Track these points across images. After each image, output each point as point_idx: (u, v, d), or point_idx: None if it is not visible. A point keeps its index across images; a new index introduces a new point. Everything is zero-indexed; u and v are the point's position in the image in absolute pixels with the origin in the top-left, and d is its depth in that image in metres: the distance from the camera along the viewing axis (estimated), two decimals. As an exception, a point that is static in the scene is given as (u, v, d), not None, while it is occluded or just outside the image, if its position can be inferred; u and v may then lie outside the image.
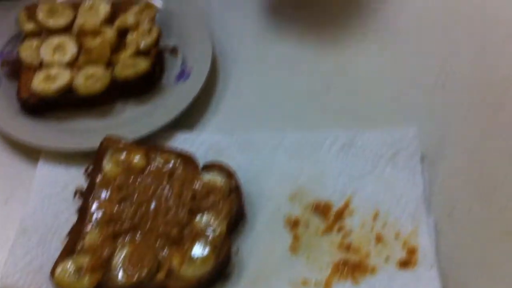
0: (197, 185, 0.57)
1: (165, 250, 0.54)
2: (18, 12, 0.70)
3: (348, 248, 0.55)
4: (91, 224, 0.55)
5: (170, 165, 0.58)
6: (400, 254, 0.55)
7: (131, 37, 0.69)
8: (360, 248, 0.55)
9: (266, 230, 0.57)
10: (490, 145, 0.62)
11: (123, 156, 0.58)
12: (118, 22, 0.70)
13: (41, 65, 0.67)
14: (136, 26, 0.70)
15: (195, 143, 0.63)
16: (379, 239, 0.56)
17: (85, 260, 0.53)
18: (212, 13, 0.74)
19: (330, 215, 0.57)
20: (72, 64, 0.67)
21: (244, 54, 0.71)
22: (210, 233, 0.54)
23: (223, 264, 0.54)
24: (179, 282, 0.52)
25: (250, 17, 0.75)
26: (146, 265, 0.53)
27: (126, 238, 0.54)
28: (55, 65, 0.66)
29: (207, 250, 0.53)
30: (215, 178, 0.57)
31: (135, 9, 0.71)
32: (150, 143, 0.62)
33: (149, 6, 0.71)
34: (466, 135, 0.63)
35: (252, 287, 0.54)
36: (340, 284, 0.53)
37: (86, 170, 0.59)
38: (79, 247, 0.54)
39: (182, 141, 0.63)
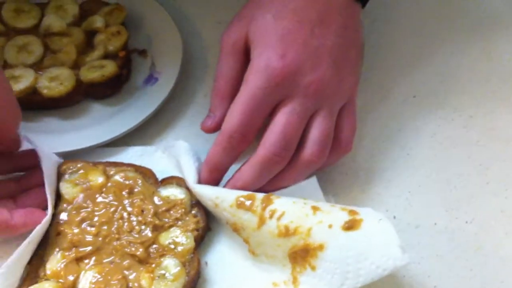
0: (157, 201, 0.55)
1: (132, 271, 0.52)
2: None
3: (287, 231, 0.51)
4: (52, 249, 0.53)
5: (129, 181, 0.56)
6: (342, 218, 0.50)
7: (99, 39, 0.68)
8: (300, 226, 0.51)
9: (229, 239, 0.56)
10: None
11: (80, 176, 0.56)
12: (86, 24, 0.69)
13: (5, 65, 0.65)
14: (104, 28, 0.68)
15: (153, 156, 0.62)
16: (315, 209, 0.52)
17: (49, 285, 0.51)
18: (183, 18, 0.74)
19: (256, 206, 0.53)
20: (37, 65, 0.65)
21: (215, 61, 0.70)
22: (178, 249, 0.53)
23: (194, 280, 0.52)
24: None
25: (222, 22, 0.74)
26: (115, 283, 0.51)
27: (91, 261, 0.52)
28: (19, 66, 0.65)
29: (176, 266, 0.52)
30: (175, 193, 0.56)
31: (104, 10, 0.70)
32: (107, 160, 0.60)
33: (118, 8, 0.70)
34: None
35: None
36: (304, 275, 0.51)
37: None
38: (41, 274, 0.52)
39: (139, 155, 0.62)
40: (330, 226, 0.50)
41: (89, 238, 0.53)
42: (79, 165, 0.57)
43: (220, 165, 0.56)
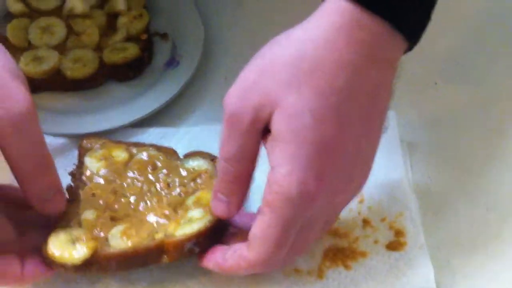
0: (183, 173, 0.56)
1: (160, 226, 0.52)
2: (8, -7, 0.69)
3: (335, 233, 0.55)
4: (86, 206, 0.53)
5: (152, 158, 0.57)
6: (388, 236, 0.55)
7: (121, 22, 0.68)
8: (348, 233, 0.55)
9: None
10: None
11: (104, 152, 0.57)
12: (108, 6, 0.69)
13: (29, 46, 0.66)
14: (126, 11, 0.69)
15: (174, 137, 0.62)
16: (366, 223, 0.55)
17: (81, 233, 0.51)
18: (203, 1, 0.74)
19: None
20: (61, 47, 0.66)
21: (236, 43, 0.71)
22: (202, 203, 0.53)
23: (220, 220, 0.52)
24: (178, 237, 0.50)
25: (243, 6, 0.74)
26: (143, 232, 0.51)
27: (123, 221, 0.53)
28: (43, 47, 0.65)
29: (201, 212, 0.52)
30: (199, 164, 0.56)
31: (126, -7, 0.70)
32: (128, 140, 0.60)
33: (141, -9, 0.70)
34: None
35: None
36: (332, 270, 0.53)
37: (70, 173, 0.57)
38: (72, 224, 0.52)
39: (160, 137, 0.62)
40: (375, 242, 0.55)
41: (121, 205, 0.54)
42: (100, 142, 0.57)
43: None
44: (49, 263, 0.49)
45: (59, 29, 0.67)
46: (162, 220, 0.52)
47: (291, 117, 0.44)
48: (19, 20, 0.67)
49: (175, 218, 0.52)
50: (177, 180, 0.55)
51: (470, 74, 0.68)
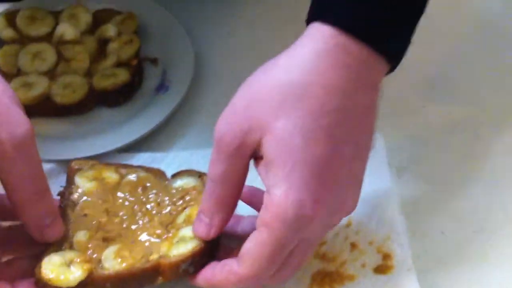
0: (172, 192, 0.56)
1: (153, 246, 0.52)
2: (-3, 19, 0.70)
3: (323, 257, 0.55)
4: (78, 227, 0.53)
5: (141, 179, 0.57)
6: (376, 260, 0.55)
7: (111, 48, 0.69)
8: (336, 257, 0.55)
9: None
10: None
11: (94, 173, 0.57)
12: (99, 32, 0.70)
13: (18, 72, 0.66)
14: (117, 36, 0.69)
15: (163, 162, 0.62)
16: (354, 246, 0.56)
17: (74, 255, 0.51)
18: (194, 26, 0.74)
19: None
20: (51, 73, 0.66)
21: (226, 68, 0.71)
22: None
23: (214, 239, 0.52)
24: (173, 258, 0.50)
25: (233, 33, 0.75)
26: (137, 253, 0.51)
27: (115, 241, 0.53)
28: (33, 73, 0.66)
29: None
30: (187, 181, 0.56)
31: (116, 19, 0.71)
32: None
33: (131, 17, 0.71)
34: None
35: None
36: None
37: (59, 193, 0.57)
38: (64, 247, 0.52)
39: (150, 162, 0.62)
40: (363, 265, 0.55)
41: (113, 225, 0.54)
42: (91, 163, 0.58)
43: None
44: (42, 286, 0.49)
45: (50, 55, 0.67)
46: (154, 239, 0.53)
47: (282, 140, 0.45)
48: (10, 47, 0.68)
49: (167, 237, 0.53)
50: (166, 199, 0.55)
51: (457, 95, 0.69)
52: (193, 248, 0.51)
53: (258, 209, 0.50)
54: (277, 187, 0.45)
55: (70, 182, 0.56)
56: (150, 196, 0.56)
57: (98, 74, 0.66)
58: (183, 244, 0.51)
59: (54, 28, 0.69)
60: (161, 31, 0.72)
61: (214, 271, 0.50)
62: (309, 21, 0.47)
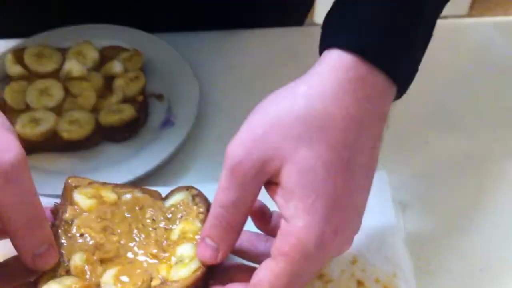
0: (164, 210, 0.56)
1: (151, 268, 0.52)
2: (6, 55, 0.71)
3: None
4: (73, 250, 0.53)
5: (138, 199, 0.57)
6: None
7: (117, 84, 0.69)
8: None
9: None
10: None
11: (93, 191, 0.57)
12: (105, 69, 0.71)
13: (26, 108, 0.67)
14: (123, 73, 0.70)
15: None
16: (360, 284, 0.55)
17: (72, 281, 0.50)
18: (199, 62, 0.75)
19: None
20: (58, 108, 0.67)
21: (230, 104, 0.72)
22: (188, 236, 0.53)
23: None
24: (175, 285, 0.50)
25: (236, 67, 0.76)
26: (137, 278, 0.51)
27: (113, 264, 0.52)
28: (40, 109, 0.67)
29: (191, 248, 0.52)
30: (176, 198, 0.56)
31: (123, 56, 0.72)
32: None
33: (136, 54, 0.72)
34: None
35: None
36: None
37: (52, 210, 0.56)
38: (60, 272, 0.51)
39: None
40: None
41: (111, 244, 0.53)
42: (88, 181, 0.58)
43: None
44: None
45: (57, 91, 0.68)
46: (152, 261, 0.52)
47: (304, 171, 0.45)
48: (18, 83, 0.69)
49: (164, 257, 0.52)
50: (161, 218, 0.55)
51: (459, 130, 0.70)
52: (195, 271, 0.50)
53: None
54: (298, 218, 0.44)
55: (65, 198, 0.56)
56: (147, 214, 0.56)
57: (104, 110, 0.67)
58: (182, 266, 0.51)
59: (61, 65, 0.70)
60: (166, 67, 0.73)
61: None
62: (323, 47, 0.47)
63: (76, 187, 0.57)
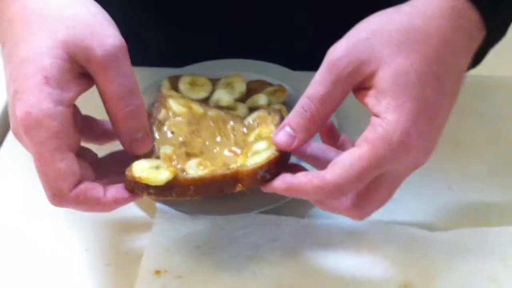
0: (245, 123, 0.64)
1: (230, 159, 0.58)
2: (163, 81, 0.76)
3: None
4: (164, 141, 0.59)
5: (222, 116, 0.65)
6: None
7: (261, 115, 0.73)
8: None
9: None
10: None
11: (185, 102, 0.65)
12: (251, 100, 0.75)
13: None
14: (267, 106, 0.74)
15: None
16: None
17: (161, 162, 0.56)
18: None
19: None
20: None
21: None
22: (264, 135, 0.60)
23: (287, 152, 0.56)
24: (250, 166, 0.55)
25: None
26: (217, 164, 0.57)
27: (197, 157, 0.58)
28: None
29: (265, 143, 0.58)
30: (256, 114, 0.65)
31: (268, 90, 0.76)
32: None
33: (281, 89, 0.76)
34: None
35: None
36: None
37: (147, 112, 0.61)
38: (152, 157, 0.57)
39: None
40: None
41: (196, 143, 0.60)
42: (180, 95, 0.68)
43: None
44: (132, 187, 0.54)
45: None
46: (231, 155, 0.58)
47: (399, 74, 0.49)
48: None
49: (242, 152, 0.58)
50: (241, 128, 0.63)
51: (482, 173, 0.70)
52: (268, 156, 0.54)
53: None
54: (389, 113, 0.49)
55: (160, 103, 0.64)
56: (228, 125, 0.62)
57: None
58: (257, 155, 0.55)
59: (211, 94, 0.75)
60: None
61: (296, 174, 0.52)
62: None
63: (169, 96, 0.65)
